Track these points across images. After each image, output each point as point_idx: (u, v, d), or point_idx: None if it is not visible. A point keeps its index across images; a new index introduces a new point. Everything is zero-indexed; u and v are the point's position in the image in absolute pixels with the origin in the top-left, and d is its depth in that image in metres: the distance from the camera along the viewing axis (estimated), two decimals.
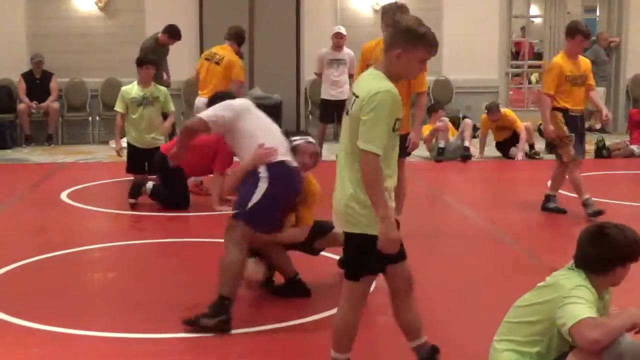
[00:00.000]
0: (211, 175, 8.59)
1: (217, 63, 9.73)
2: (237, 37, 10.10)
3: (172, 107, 9.44)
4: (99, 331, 5.01)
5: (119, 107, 9.30)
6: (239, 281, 5.15)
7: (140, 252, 6.56)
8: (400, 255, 3.86)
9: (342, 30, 12.08)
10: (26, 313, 5.25)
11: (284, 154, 5.25)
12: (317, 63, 12.21)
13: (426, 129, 11.99)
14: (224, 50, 9.90)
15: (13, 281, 6.12)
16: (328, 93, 11.95)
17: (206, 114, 5.32)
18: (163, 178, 8.54)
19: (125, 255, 6.62)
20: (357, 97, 3.76)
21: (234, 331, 4.98)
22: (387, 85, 3.73)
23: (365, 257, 3.82)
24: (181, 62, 13.62)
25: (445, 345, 4.25)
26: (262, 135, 5.27)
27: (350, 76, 12.17)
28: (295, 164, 5.33)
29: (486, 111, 12.46)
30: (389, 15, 6.85)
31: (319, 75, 12.21)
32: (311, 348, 4.78)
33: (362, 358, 4.35)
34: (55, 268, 6.52)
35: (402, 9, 6.90)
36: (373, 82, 3.75)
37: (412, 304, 4.06)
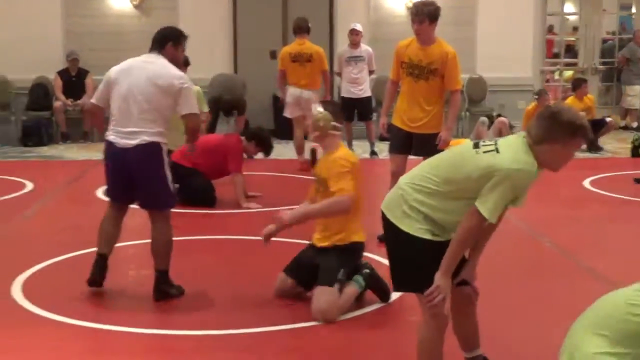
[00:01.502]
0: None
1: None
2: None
3: (205, 107, 9.42)
4: (134, 327, 5.07)
5: None
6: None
7: (173, 248, 6.58)
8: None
9: (358, 26, 12.05)
10: (62, 308, 5.32)
11: None
12: (337, 62, 12.22)
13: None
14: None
15: (49, 277, 6.20)
16: (348, 91, 11.97)
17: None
18: (180, 183, 8.54)
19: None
20: (497, 150, 3.56)
21: (272, 328, 5.00)
22: (531, 162, 3.54)
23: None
24: (215, 58, 13.74)
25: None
26: None
27: (371, 72, 12.19)
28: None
29: (536, 97, 12.30)
30: (420, 12, 6.79)
31: (339, 74, 12.21)
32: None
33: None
34: (90, 264, 6.57)
35: (430, 5, 6.82)
36: (521, 154, 3.54)
37: (471, 316, 4.04)
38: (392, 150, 7.23)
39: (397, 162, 7.06)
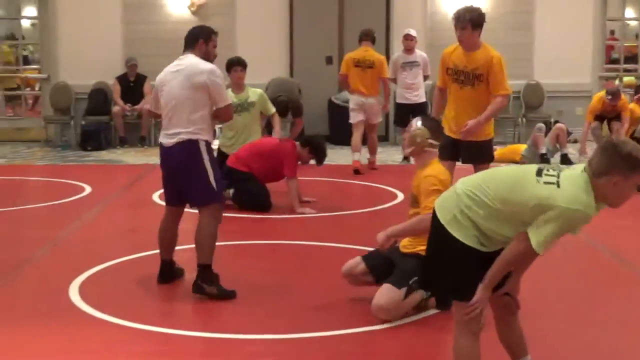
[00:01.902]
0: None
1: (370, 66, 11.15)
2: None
3: (272, 109, 9.41)
4: (189, 330, 5.08)
5: None
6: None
7: (227, 253, 6.62)
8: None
9: (412, 32, 11.95)
10: (118, 310, 5.36)
11: None
12: (391, 68, 12.04)
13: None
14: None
15: (105, 279, 6.27)
16: (403, 97, 11.91)
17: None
18: (235, 188, 8.58)
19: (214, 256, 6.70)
20: (557, 185, 3.48)
21: (319, 334, 4.99)
22: (589, 204, 3.45)
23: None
24: (271, 62, 13.80)
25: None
26: None
27: (425, 78, 12.11)
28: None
29: (609, 97, 12.10)
30: (462, 18, 6.75)
31: (394, 80, 12.10)
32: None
33: None
34: (146, 267, 6.64)
35: (472, 11, 6.77)
36: (581, 193, 3.45)
37: (514, 326, 3.98)
38: (440, 157, 7.10)
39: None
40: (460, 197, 3.65)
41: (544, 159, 11.79)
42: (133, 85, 13.90)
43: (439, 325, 5.22)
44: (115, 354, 4.75)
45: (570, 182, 3.47)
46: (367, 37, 11.49)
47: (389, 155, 12.75)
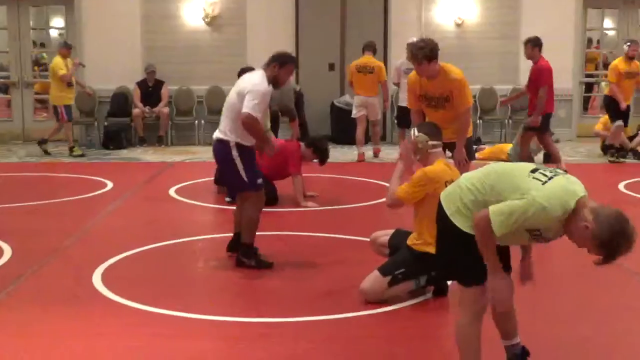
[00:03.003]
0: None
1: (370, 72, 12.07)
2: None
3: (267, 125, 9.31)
4: (203, 314, 5.11)
5: None
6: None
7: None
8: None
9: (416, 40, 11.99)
10: (139, 296, 5.39)
11: None
12: (394, 73, 12.39)
13: None
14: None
15: (128, 267, 6.31)
16: (405, 100, 11.90)
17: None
18: None
19: (225, 246, 6.73)
20: (543, 183, 3.46)
21: (322, 317, 5.02)
22: (557, 209, 3.39)
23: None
24: None
25: None
26: None
27: None
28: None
29: (628, 44, 11.92)
30: (416, 57, 6.64)
31: (397, 84, 12.29)
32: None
33: None
34: (164, 256, 6.69)
35: (423, 47, 6.62)
36: (556, 199, 3.40)
37: (511, 315, 4.00)
38: None
39: None
40: (462, 190, 3.70)
41: (528, 158, 11.78)
42: (152, 89, 13.92)
43: (433, 309, 5.27)
44: (131, 336, 4.78)
45: (556, 187, 3.45)
46: (368, 47, 12.43)
47: (387, 154, 12.77)
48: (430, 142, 5.26)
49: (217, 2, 14.25)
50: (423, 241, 5.25)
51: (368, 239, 6.37)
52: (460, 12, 14.36)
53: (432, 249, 5.19)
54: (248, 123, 5.94)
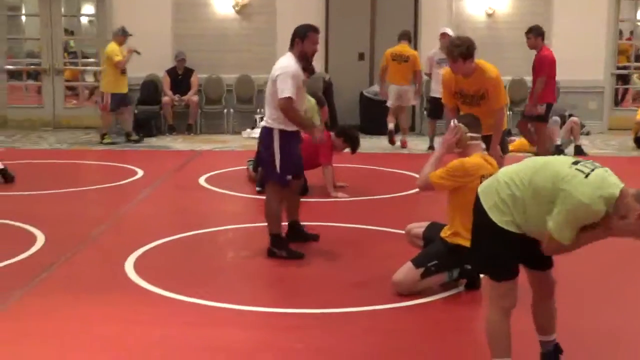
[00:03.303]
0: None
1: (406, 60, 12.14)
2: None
3: (317, 121, 9.30)
4: (231, 303, 5.11)
5: None
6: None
7: (261, 233, 6.68)
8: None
9: (449, 30, 11.97)
10: (171, 285, 5.41)
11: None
12: (427, 63, 12.36)
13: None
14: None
15: (159, 255, 6.33)
16: (437, 91, 11.83)
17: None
18: None
19: (256, 235, 6.74)
20: (586, 176, 3.42)
21: (352, 309, 5.00)
22: (599, 200, 3.37)
23: None
24: None
25: None
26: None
27: None
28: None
29: None
30: (452, 54, 6.56)
31: (429, 75, 12.24)
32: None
33: None
34: (196, 245, 6.70)
35: (460, 45, 6.54)
36: (598, 191, 3.37)
37: (549, 306, 3.96)
38: None
39: None
40: (500, 184, 3.67)
41: (559, 150, 11.69)
42: (181, 77, 13.93)
43: (465, 302, 5.24)
44: (163, 324, 4.80)
45: (599, 179, 3.42)
46: (403, 36, 12.43)
47: (416, 145, 12.72)
48: (469, 134, 5.22)
49: None
50: (455, 233, 5.22)
51: (399, 231, 6.38)
52: (491, 2, 14.24)
53: (465, 242, 5.17)
54: (284, 107, 5.99)
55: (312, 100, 9.26)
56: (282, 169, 6.16)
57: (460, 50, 6.50)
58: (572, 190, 3.39)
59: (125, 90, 12.84)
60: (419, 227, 5.65)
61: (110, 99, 12.60)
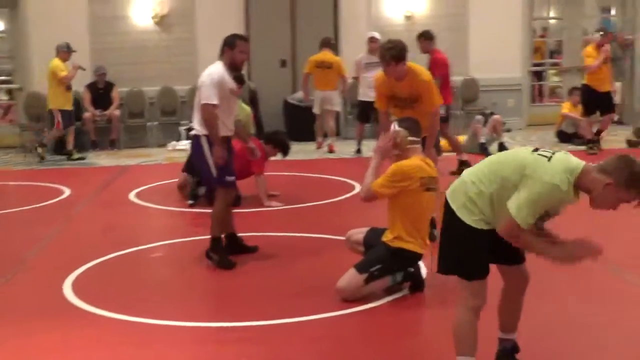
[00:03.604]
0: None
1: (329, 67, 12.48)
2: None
3: (252, 129, 9.27)
4: (178, 320, 5.06)
5: None
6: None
7: (204, 246, 6.64)
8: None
9: (376, 35, 12.15)
10: (112, 305, 5.31)
11: None
12: (355, 67, 12.41)
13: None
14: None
15: (97, 277, 6.18)
16: (365, 95, 11.96)
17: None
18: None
19: (192, 250, 6.69)
20: (549, 159, 3.53)
21: (295, 319, 4.98)
22: (566, 183, 3.47)
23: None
24: None
25: None
26: None
27: None
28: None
29: (601, 34, 11.97)
30: (385, 57, 6.58)
31: (357, 78, 12.37)
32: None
33: None
34: (131, 263, 6.60)
35: (392, 48, 6.57)
36: (563, 172, 3.49)
37: (517, 302, 4.01)
38: None
39: None
40: (466, 184, 3.74)
41: (484, 147, 11.93)
42: (102, 92, 13.72)
43: (411, 305, 5.28)
44: (106, 346, 4.70)
45: (561, 161, 3.53)
46: (324, 44, 12.77)
47: (342, 149, 12.82)
48: (410, 138, 5.30)
49: (166, 1, 14.13)
50: (398, 237, 5.29)
51: (337, 237, 6.42)
52: (409, 6, 14.47)
53: (407, 245, 5.27)
54: (204, 112, 6.13)
55: (247, 109, 9.27)
56: (219, 171, 6.22)
57: (392, 53, 6.55)
58: (537, 174, 3.50)
59: (71, 107, 12.61)
60: (359, 234, 5.69)
61: (61, 116, 12.39)
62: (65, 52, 12.52)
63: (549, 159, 3.54)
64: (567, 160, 3.56)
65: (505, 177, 3.62)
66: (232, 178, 6.34)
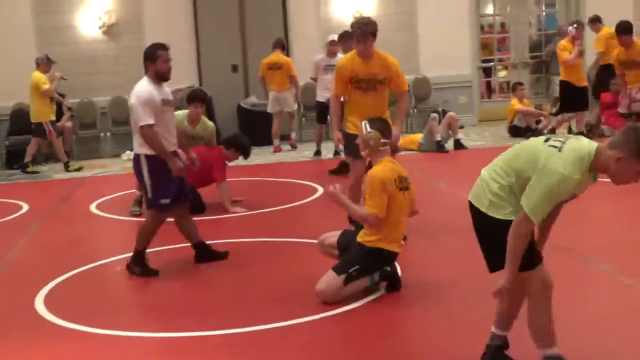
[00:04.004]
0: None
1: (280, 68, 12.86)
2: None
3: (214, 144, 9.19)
4: (150, 332, 5.04)
5: None
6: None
7: (170, 255, 6.61)
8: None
9: (335, 37, 12.15)
10: (84, 319, 5.25)
11: None
12: (313, 68, 12.36)
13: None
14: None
15: (67, 292, 6.10)
16: (323, 96, 12.00)
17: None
18: None
19: (163, 260, 6.65)
20: (560, 149, 3.57)
21: (271, 325, 4.96)
22: (575, 169, 3.52)
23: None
24: (181, 74, 13.65)
25: None
26: None
27: None
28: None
29: (575, 26, 12.08)
30: (363, 32, 6.67)
31: (315, 79, 12.38)
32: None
33: None
34: (100, 276, 6.55)
35: (369, 24, 6.73)
36: (575, 160, 3.53)
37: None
38: (352, 155, 6.83)
39: (358, 166, 6.84)
40: (487, 182, 3.79)
41: (440, 145, 12.07)
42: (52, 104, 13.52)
43: (390, 304, 5.30)
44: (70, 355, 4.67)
45: (572, 150, 3.56)
46: (276, 45, 13.19)
47: (300, 152, 12.86)
48: (382, 140, 5.35)
49: (113, 10, 14.01)
50: (366, 232, 5.34)
51: (307, 240, 6.44)
52: (357, 6, 14.56)
53: (383, 244, 5.31)
54: (144, 134, 6.07)
55: (211, 124, 8.93)
56: (155, 193, 6.18)
57: (370, 28, 6.66)
58: (548, 167, 3.54)
59: (54, 118, 12.47)
60: (332, 237, 5.70)
61: (51, 125, 12.28)
62: (45, 64, 12.38)
63: (560, 149, 3.59)
64: (579, 148, 3.59)
65: (519, 169, 3.68)
66: (166, 201, 6.22)
